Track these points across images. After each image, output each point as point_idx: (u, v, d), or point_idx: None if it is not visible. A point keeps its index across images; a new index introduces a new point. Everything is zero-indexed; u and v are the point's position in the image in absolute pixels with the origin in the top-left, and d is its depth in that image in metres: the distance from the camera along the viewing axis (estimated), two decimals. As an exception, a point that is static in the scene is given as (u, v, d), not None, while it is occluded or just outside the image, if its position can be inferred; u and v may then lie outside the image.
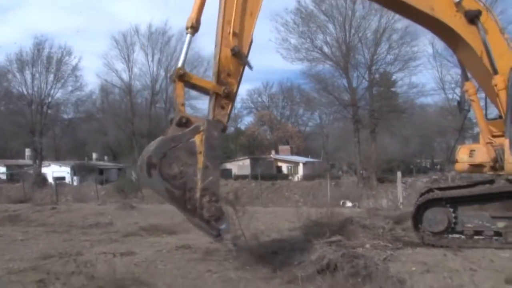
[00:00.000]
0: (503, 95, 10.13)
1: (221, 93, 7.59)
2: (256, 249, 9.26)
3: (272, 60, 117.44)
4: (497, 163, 10.48)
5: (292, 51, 46.48)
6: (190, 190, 7.00)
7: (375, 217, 13.26)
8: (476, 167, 10.91)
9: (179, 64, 7.53)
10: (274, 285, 7.33)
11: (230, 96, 7.72)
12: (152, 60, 59.67)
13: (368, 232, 10.88)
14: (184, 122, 7.22)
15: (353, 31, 45.31)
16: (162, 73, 59.08)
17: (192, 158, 7.08)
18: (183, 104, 7.39)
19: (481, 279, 7.28)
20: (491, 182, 10.74)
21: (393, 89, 51.51)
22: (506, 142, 10.06)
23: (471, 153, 11.03)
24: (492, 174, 10.68)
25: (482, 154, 10.75)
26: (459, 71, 41.86)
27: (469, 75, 11.23)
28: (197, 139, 7.15)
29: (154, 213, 18.72)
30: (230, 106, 7.78)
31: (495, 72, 10.14)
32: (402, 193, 22.99)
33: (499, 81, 10.10)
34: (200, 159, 7.08)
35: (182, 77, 7.35)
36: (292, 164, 68.40)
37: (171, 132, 7.24)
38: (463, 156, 11.24)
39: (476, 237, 9.75)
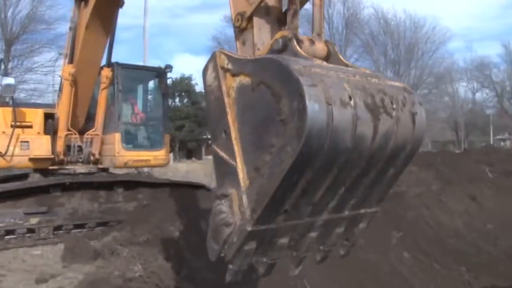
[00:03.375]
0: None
1: None
2: None
3: None
4: (68, 156, 10.23)
5: None
6: None
7: None
8: (35, 161, 10.00)
9: None
10: None
11: None
12: None
13: None
14: None
15: None
16: None
17: None
18: None
19: (12, 284, 6.74)
20: (24, 176, 10.33)
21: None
22: (117, 136, 10.37)
23: (23, 144, 9.97)
24: (56, 167, 10.28)
25: (43, 146, 9.99)
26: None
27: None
28: None
29: None
30: None
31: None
32: None
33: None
34: None
35: None
36: None
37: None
38: (11, 148, 9.85)
39: (7, 236, 9.08)
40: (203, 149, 54.42)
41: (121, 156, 10.56)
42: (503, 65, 56.05)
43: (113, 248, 7.89)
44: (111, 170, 11.39)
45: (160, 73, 11.85)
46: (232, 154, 2.89)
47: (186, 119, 47.98)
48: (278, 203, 2.73)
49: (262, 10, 3.32)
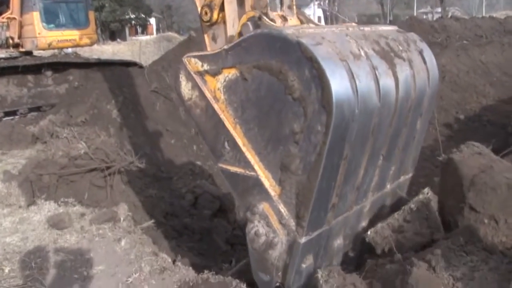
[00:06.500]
0: None
1: None
2: None
3: None
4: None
5: None
6: None
7: None
8: None
9: None
10: None
11: None
12: None
13: None
14: None
15: None
16: None
17: None
18: None
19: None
20: None
21: None
22: (35, 15, 9.74)
23: None
24: None
25: None
26: None
27: None
28: None
29: None
30: None
31: None
32: None
33: None
34: None
35: None
36: None
37: None
38: None
39: None
40: (127, 29, 51.77)
41: (43, 37, 10.00)
42: None
43: (52, 130, 7.82)
44: (35, 53, 10.80)
45: None
46: (247, 164, 2.40)
47: (105, -2, 44.69)
48: (325, 198, 2.26)
49: None
